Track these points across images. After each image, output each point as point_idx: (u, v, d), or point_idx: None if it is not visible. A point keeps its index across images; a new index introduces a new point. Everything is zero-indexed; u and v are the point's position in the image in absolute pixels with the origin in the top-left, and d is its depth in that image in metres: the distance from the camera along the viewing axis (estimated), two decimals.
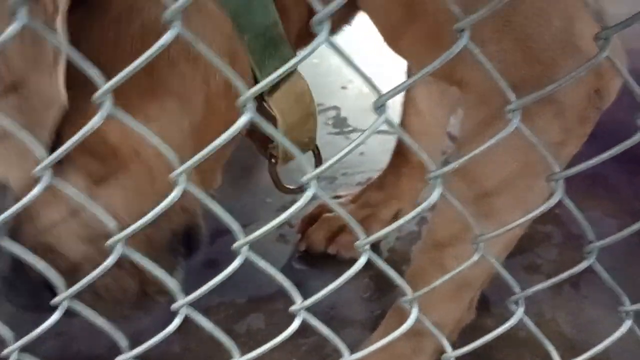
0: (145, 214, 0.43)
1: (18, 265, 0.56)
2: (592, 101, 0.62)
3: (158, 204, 0.42)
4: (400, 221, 0.50)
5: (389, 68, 1.55)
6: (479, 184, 0.64)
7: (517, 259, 0.98)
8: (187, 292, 0.50)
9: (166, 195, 0.42)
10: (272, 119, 0.66)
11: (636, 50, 0.73)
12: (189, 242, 0.66)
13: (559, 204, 0.51)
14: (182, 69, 0.58)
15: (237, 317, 0.84)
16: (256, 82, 0.62)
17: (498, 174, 0.63)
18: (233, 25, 0.61)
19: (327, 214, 0.99)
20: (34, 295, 0.59)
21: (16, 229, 0.58)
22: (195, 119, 0.60)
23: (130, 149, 0.58)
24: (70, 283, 0.45)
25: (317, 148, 0.75)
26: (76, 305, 0.46)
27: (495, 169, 0.63)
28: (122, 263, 0.56)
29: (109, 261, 0.44)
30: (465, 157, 0.49)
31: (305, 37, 0.69)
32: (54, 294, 0.46)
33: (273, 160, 0.72)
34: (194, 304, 0.50)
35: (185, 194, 0.42)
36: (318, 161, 0.76)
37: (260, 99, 0.64)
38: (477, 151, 0.48)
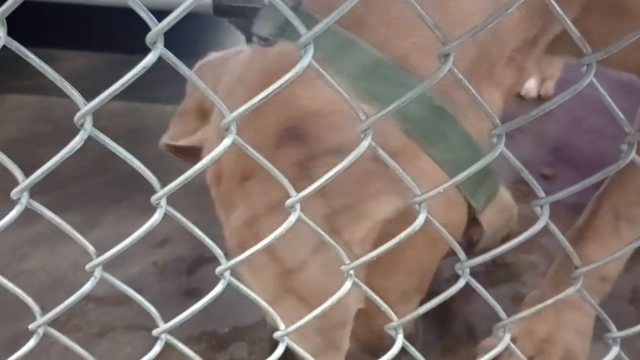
0: None
1: None
2: None
3: None
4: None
5: None
6: None
7: (503, 287, 0.98)
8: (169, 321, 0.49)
9: None
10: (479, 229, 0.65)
11: None
12: None
13: (544, 232, 0.51)
14: None
15: (220, 346, 0.82)
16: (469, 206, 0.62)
17: None
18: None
19: None
20: None
21: None
22: None
23: None
24: None
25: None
26: (52, 332, 0.45)
27: None
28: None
29: (87, 286, 0.43)
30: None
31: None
32: None
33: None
34: (175, 334, 0.49)
35: None
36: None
37: (472, 214, 0.63)
38: None
